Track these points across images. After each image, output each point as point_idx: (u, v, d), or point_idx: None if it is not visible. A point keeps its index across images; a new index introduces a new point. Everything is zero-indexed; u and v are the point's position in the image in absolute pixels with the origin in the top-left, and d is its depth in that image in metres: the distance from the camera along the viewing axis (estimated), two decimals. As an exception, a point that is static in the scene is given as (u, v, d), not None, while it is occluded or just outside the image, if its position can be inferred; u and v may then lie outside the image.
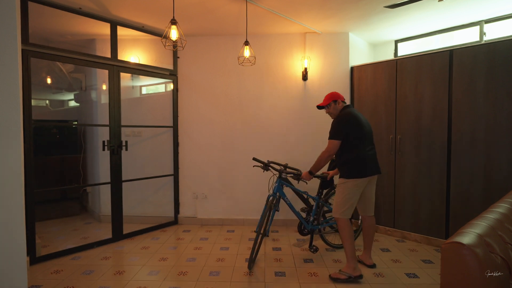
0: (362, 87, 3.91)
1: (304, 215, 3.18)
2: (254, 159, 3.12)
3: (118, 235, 3.64)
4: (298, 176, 2.86)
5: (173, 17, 2.65)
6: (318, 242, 3.50)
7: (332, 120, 2.70)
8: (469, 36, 3.82)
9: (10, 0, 2.03)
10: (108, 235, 3.60)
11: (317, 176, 3.10)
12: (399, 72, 3.56)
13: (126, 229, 3.73)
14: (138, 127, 4.19)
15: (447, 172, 3.23)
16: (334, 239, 3.55)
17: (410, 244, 3.44)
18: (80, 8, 3.23)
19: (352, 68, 4.06)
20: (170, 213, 4.27)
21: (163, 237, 3.78)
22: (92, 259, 3.11)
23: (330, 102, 2.70)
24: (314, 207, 3.14)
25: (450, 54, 3.17)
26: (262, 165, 3.04)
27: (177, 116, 4.23)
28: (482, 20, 3.64)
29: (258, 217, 3.92)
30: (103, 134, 3.85)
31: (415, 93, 3.43)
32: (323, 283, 2.59)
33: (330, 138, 2.58)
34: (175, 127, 4.21)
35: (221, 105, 4.21)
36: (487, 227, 1.23)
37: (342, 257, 3.11)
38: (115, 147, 3.55)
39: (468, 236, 1.12)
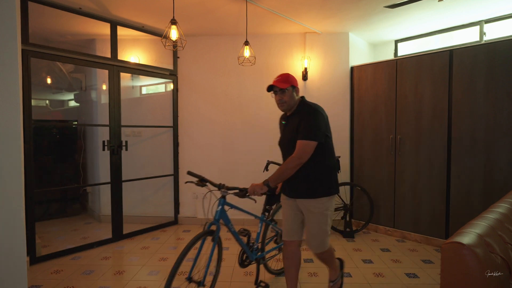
0: (362, 87, 3.91)
1: (244, 240, 2.34)
2: (189, 173, 2.29)
3: (118, 235, 3.64)
4: (243, 193, 2.04)
5: (173, 17, 2.65)
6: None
7: (287, 113, 2.09)
8: (469, 36, 3.82)
9: (10, 0, 2.03)
10: (108, 235, 3.60)
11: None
12: (399, 72, 3.56)
13: (126, 229, 3.73)
14: (138, 127, 4.19)
15: (447, 172, 3.23)
16: (275, 264, 2.90)
17: (410, 244, 3.44)
18: (80, 8, 3.23)
19: (352, 68, 4.05)
20: (170, 213, 4.27)
21: (163, 237, 3.78)
22: (92, 259, 3.11)
23: (289, 86, 1.97)
24: (259, 230, 2.48)
25: (450, 54, 3.17)
26: (197, 180, 2.23)
27: (177, 116, 4.23)
28: (482, 20, 3.64)
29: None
30: (103, 134, 3.85)
31: (415, 93, 3.43)
32: (323, 283, 2.58)
33: (306, 138, 1.84)
34: (175, 127, 4.20)
35: (221, 105, 4.21)
36: (487, 227, 1.23)
37: (341, 256, 3.10)
38: (115, 147, 3.55)
39: (468, 236, 1.12)
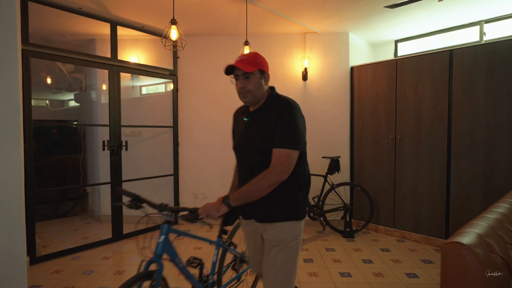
0: (362, 87, 3.91)
1: (196, 274, 1.78)
2: (119, 190, 1.65)
3: (118, 235, 3.63)
4: (193, 215, 1.47)
5: (173, 17, 2.65)
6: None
7: (249, 108, 1.54)
8: (469, 36, 3.82)
9: (10, 0, 2.03)
10: (108, 235, 3.60)
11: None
12: (399, 72, 3.56)
13: (126, 229, 3.72)
14: (138, 127, 4.19)
15: (447, 172, 3.23)
16: None
17: (410, 244, 3.44)
18: (80, 8, 3.23)
19: (352, 68, 4.05)
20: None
21: (163, 237, 3.78)
22: (92, 259, 3.11)
23: (256, 70, 1.46)
24: (215, 258, 1.91)
25: (450, 54, 3.17)
26: (129, 200, 1.60)
27: (177, 116, 4.23)
28: (482, 20, 3.64)
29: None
30: (103, 134, 3.85)
31: (415, 93, 3.43)
32: (323, 283, 2.59)
33: (288, 146, 1.35)
34: (175, 127, 4.20)
35: (221, 105, 4.21)
36: (487, 227, 1.23)
37: (341, 256, 3.11)
38: (115, 147, 3.55)
39: (468, 236, 1.12)
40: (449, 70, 3.19)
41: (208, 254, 3.21)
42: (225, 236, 1.95)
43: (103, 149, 3.51)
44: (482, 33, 3.68)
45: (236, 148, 1.58)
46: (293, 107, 1.40)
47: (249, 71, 1.42)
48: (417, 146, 3.43)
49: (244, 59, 1.45)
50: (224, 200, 1.40)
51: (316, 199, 3.75)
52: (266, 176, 1.34)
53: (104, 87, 4.25)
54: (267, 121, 1.41)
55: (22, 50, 2.81)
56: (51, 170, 4.84)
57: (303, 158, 1.46)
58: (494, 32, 3.62)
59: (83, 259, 3.12)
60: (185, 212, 1.50)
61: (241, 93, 1.46)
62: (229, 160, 4.19)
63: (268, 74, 1.54)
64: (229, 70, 1.46)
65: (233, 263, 2.15)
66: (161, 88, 4.44)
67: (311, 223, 3.98)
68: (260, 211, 1.45)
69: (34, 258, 2.97)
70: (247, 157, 1.51)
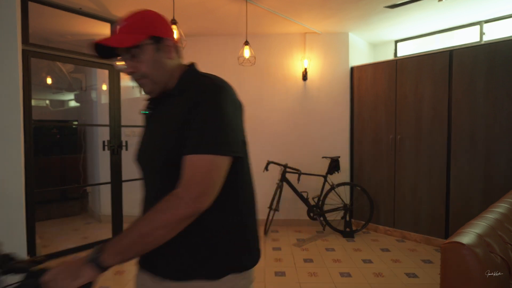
0: (362, 87, 3.92)
1: None
2: None
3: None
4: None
5: (173, 17, 2.66)
6: None
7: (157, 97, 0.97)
8: (469, 36, 3.82)
9: (10, 0, 2.03)
10: (108, 235, 3.60)
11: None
12: (399, 72, 3.56)
13: (126, 229, 3.73)
14: (138, 127, 4.20)
15: (447, 172, 3.23)
16: None
17: (410, 244, 3.44)
18: (80, 8, 3.23)
19: (352, 68, 4.06)
20: (170, 213, 4.26)
21: (163, 237, 3.78)
22: (92, 259, 3.11)
23: (145, 39, 0.83)
24: None
25: (450, 54, 3.17)
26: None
27: (177, 116, 4.23)
28: (482, 20, 3.65)
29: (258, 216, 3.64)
30: (103, 134, 3.85)
31: (415, 93, 3.43)
32: (323, 283, 2.59)
33: (207, 150, 0.75)
34: (175, 127, 4.20)
35: (221, 105, 4.20)
36: (487, 227, 1.23)
37: (341, 256, 3.12)
38: (115, 147, 3.55)
39: (468, 236, 1.12)
40: (449, 70, 3.19)
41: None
42: None
43: (103, 149, 3.51)
44: (482, 33, 3.68)
45: (138, 159, 0.98)
46: (218, 88, 0.83)
47: (129, 45, 0.82)
48: (417, 146, 3.44)
49: (122, 26, 0.85)
50: (92, 257, 0.72)
51: (316, 199, 3.75)
52: (169, 205, 0.73)
53: (104, 87, 4.25)
54: (178, 110, 0.84)
55: (22, 50, 2.80)
56: (51, 170, 4.84)
57: (243, 167, 0.89)
58: (494, 32, 3.62)
59: (83, 259, 3.12)
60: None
61: (136, 81, 0.90)
62: (229, 160, 4.20)
63: (170, 40, 0.90)
64: (104, 49, 0.87)
65: None
66: (161, 88, 4.44)
67: (311, 223, 3.98)
68: (173, 258, 0.83)
69: (34, 258, 2.97)
70: (148, 174, 0.95)
